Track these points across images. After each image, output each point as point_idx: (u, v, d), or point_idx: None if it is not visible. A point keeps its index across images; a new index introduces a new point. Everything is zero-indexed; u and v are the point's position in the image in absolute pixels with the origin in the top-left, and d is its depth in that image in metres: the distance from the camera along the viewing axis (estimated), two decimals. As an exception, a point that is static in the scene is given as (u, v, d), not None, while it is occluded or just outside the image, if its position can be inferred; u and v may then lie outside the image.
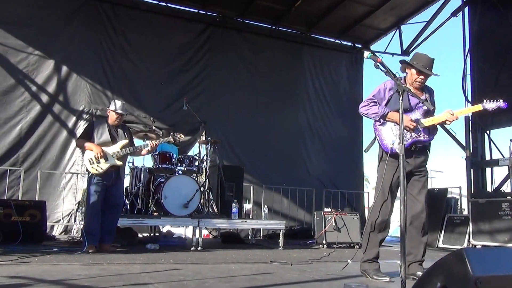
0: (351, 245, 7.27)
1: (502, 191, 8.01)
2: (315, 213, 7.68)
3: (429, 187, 10.32)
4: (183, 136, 6.03)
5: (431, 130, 3.88)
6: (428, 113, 3.84)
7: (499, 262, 2.17)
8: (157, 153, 6.81)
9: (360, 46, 11.28)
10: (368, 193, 11.23)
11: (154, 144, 5.62)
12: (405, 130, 3.73)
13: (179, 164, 6.87)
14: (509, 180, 7.83)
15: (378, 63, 3.30)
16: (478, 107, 3.72)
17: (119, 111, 5.58)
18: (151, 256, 5.04)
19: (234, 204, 6.67)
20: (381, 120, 3.85)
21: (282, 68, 10.44)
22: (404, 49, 10.57)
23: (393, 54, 10.83)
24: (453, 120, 3.76)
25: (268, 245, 7.04)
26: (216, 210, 7.31)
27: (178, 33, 9.46)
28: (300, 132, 10.47)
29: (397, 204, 3.36)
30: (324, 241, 7.12)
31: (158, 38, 9.19)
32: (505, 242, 6.97)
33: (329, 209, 7.60)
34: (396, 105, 3.68)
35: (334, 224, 7.19)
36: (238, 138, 9.63)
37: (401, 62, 3.98)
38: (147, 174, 6.94)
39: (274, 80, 10.30)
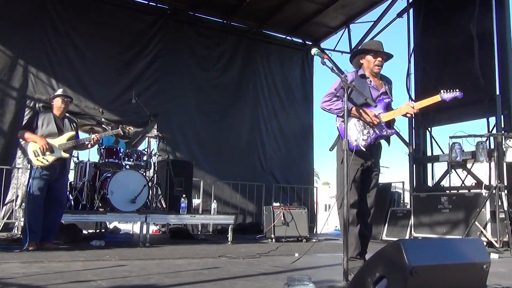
0: (299, 239, 7.40)
1: (442, 185, 8.38)
2: (264, 207, 7.75)
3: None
4: (132, 128, 5.90)
5: (391, 123, 3.88)
6: (389, 106, 3.85)
7: (433, 252, 2.27)
8: (103, 147, 6.62)
9: (310, 43, 11.45)
10: (317, 188, 11.48)
11: (97, 137, 5.45)
12: (368, 126, 3.74)
13: (127, 158, 6.72)
14: (448, 175, 8.22)
15: (324, 60, 3.35)
16: (437, 98, 3.70)
17: (64, 94, 5.40)
18: (95, 253, 4.91)
19: (182, 199, 6.61)
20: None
21: (234, 63, 10.43)
22: (353, 47, 10.83)
23: (342, 52, 11.08)
24: (413, 113, 3.76)
25: (217, 240, 7.04)
26: (164, 206, 7.22)
27: (129, 23, 9.22)
28: (254, 127, 10.52)
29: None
30: (272, 235, 7.19)
31: (107, 27, 8.92)
32: (443, 233, 7.32)
33: (278, 204, 7.68)
34: (358, 99, 3.75)
35: (282, 218, 7.28)
36: (190, 132, 9.54)
37: (353, 54, 3.97)
38: (93, 169, 6.74)
39: (227, 75, 10.29)
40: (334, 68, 3.30)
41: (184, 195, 6.77)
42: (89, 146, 5.57)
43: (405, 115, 3.80)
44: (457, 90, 3.65)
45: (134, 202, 6.27)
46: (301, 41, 11.57)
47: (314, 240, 7.57)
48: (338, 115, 3.76)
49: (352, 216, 3.62)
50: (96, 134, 5.55)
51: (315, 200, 11.06)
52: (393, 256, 2.24)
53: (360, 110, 3.71)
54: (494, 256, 5.35)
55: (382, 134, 3.78)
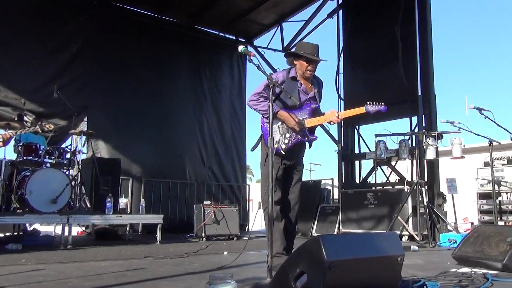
0: (230, 237, 7.43)
1: (368, 182, 8.75)
2: (195, 206, 7.70)
3: (307, 179, 10.94)
4: (52, 126, 5.62)
5: (314, 129, 3.96)
6: (315, 111, 3.92)
7: (350, 247, 2.37)
8: (21, 144, 6.25)
9: (243, 40, 11.51)
10: (249, 185, 11.59)
11: (9, 134, 5.12)
12: (291, 130, 3.81)
13: (47, 156, 6.39)
14: (374, 172, 8.59)
15: (251, 57, 3.38)
16: (362, 110, 3.85)
17: None
18: (10, 257, 4.63)
19: (108, 199, 6.41)
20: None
21: (166, 58, 10.22)
22: (285, 45, 11.02)
23: (274, 50, 11.25)
24: (337, 122, 3.85)
25: (145, 240, 6.88)
26: (89, 206, 6.95)
27: (55, 10, 8.73)
28: (188, 124, 10.40)
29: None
30: (203, 234, 7.16)
31: (31, 14, 8.38)
32: (369, 228, 7.64)
33: (208, 202, 7.66)
34: (286, 101, 3.81)
35: (213, 216, 7.27)
36: (121, 127, 9.24)
37: (287, 54, 3.98)
38: (9, 167, 6.34)
39: (161, 70, 10.07)
40: (260, 66, 3.34)
41: (110, 194, 6.56)
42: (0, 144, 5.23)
43: (329, 123, 3.90)
44: (382, 104, 3.82)
45: (55, 203, 5.99)
46: (234, 38, 11.59)
47: (245, 238, 7.64)
48: (264, 116, 3.81)
49: (276, 212, 3.67)
50: (9, 131, 5.22)
51: (247, 198, 11.17)
52: (313, 252, 2.30)
53: (285, 115, 3.78)
54: (414, 247, 5.67)
55: (303, 139, 3.89)
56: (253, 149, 4.01)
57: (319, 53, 3.85)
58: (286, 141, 3.77)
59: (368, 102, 3.81)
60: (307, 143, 3.99)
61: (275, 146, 3.68)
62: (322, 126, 9.28)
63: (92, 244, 6.40)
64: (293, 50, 3.95)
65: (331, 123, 3.88)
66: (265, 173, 3.66)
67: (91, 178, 7.11)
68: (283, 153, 3.77)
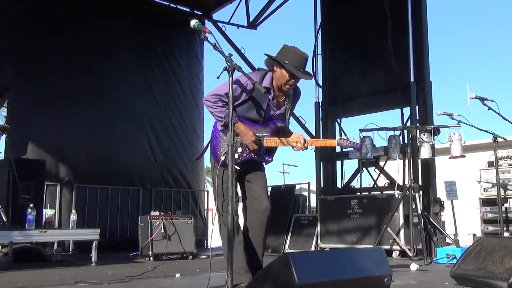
0: (184, 255, 7.38)
1: (352, 186, 8.81)
2: (140, 217, 7.62)
3: (279, 183, 10.96)
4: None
5: (273, 150, 4.04)
6: (280, 130, 4.00)
7: (327, 266, 2.38)
8: None
9: (200, 13, 11.43)
10: (208, 191, 11.53)
11: None
12: (245, 145, 3.87)
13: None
14: (359, 174, 8.66)
15: (206, 35, 3.36)
16: (333, 143, 3.98)
17: None
18: None
19: (30, 210, 6.25)
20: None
21: (104, 34, 10.06)
22: (250, 21, 11.03)
23: (238, 26, 11.25)
24: (300, 149, 3.92)
25: (77, 262, 6.79)
26: (5, 219, 6.76)
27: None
28: (136, 115, 10.31)
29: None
30: (150, 253, 7.09)
31: None
32: (353, 243, 7.75)
33: (157, 213, 7.59)
34: (248, 112, 3.86)
35: (162, 231, 7.20)
36: (49, 119, 9.04)
37: (269, 57, 3.95)
38: None
39: (99, 50, 9.93)
40: (217, 44, 3.33)
41: (31, 205, 6.39)
42: None
43: (292, 147, 3.97)
44: (357, 142, 3.99)
45: (-41, 216, 5.80)
46: (188, 10, 11.51)
47: (203, 257, 7.61)
48: (219, 122, 3.89)
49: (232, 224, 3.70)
50: None
51: (207, 207, 11.15)
52: (281, 273, 2.31)
53: (242, 128, 3.82)
54: (414, 265, 5.67)
55: (255, 159, 3.95)
56: (197, 158, 4.07)
57: (306, 66, 3.91)
58: (236, 156, 3.79)
59: (342, 137, 4.09)
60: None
61: (222, 158, 3.75)
62: (296, 118, 9.44)
63: (9, 267, 6.27)
64: (276, 54, 3.90)
65: (294, 148, 3.96)
66: (216, 180, 3.86)
67: (7, 184, 6.93)
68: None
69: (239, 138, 3.85)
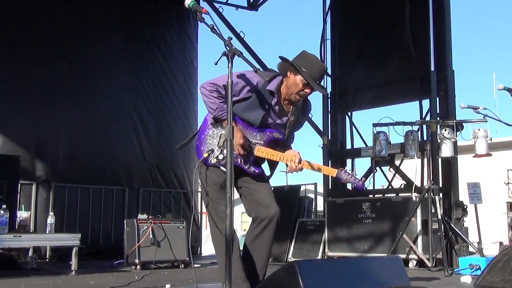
0: (175, 264, 7.41)
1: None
2: (125, 221, 7.65)
3: (282, 184, 10.95)
4: None
5: (261, 161, 4.00)
6: (276, 143, 3.95)
7: (336, 277, 2.38)
8: None
9: (194, -8, 11.40)
10: (199, 192, 11.55)
11: None
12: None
13: None
14: (372, 174, 8.66)
15: (202, 15, 3.36)
16: (333, 172, 3.97)
17: None
18: None
19: (2, 212, 6.27)
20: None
21: (85, 14, 10.03)
22: (251, 1, 11.02)
23: (237, 6, 11.27)
24: (294, 170, 3.84)
25: (56, 270, 6.83)
26: (-26, 222, 6.80)
27: None
28: (122, 105, 10.35)
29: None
30: (137, 260, 7.11)
31: None
32: (365, 251, 7.75)
33: (145, 216, 7.60)
34: (245, 112, 3.84)
35: (151, 236, 7.22)
36: (24, 110, 9.07)
37: (284, 60, 3.88)
38: None
39: (79, 32, 9.91)
40: (215, 27, 3.34)
41: (4, 206, 6.41)
42: None
43: (286, 164, 3.91)
44: (358, 178, 3.93)
45: None
46: (181, -12, 11.49)
47: (197, 266, 7.63)
48: (211, 115, 3.88)
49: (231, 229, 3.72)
50: None
51: (200, 209, 11.17)
52: (286, 283, 2.31)
53: (234, 129, 3.74)
54: (467, 279, 5.52)
55: (241, 166, 3.89)
56: (180, 147, 4.08)
57: (322, 79, 3.97)
58: (221, 157, 3.78)
59: (342, 169, 3.93)
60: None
61: (205, 155, 3.80)
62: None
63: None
64: (293, 59, 3.84)
65: (287, 168, 3.91)
66: (205, 178, 3.91)
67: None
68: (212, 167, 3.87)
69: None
